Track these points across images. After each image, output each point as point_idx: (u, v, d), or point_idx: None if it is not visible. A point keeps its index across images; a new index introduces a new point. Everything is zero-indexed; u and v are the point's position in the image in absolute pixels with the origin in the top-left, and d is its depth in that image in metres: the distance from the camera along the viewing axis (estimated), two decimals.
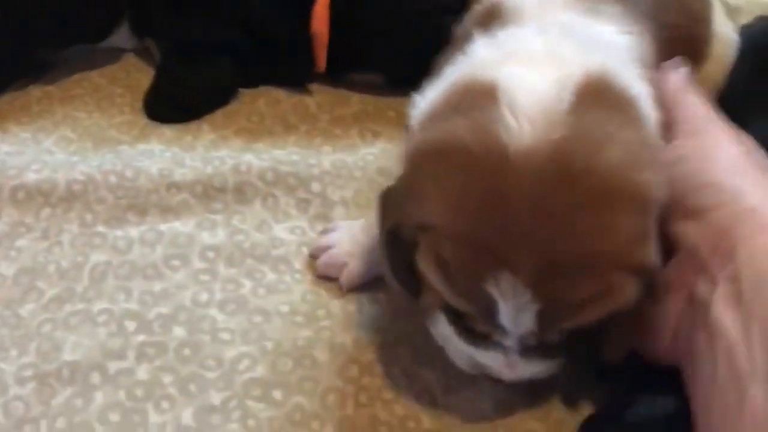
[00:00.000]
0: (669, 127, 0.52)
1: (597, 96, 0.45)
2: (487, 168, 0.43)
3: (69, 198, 0.73)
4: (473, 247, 0.43)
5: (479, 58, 0.50)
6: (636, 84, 0.49)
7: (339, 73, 0.86)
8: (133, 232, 0.72)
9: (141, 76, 0.88)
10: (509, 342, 0.47)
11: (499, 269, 0.42)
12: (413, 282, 0.51)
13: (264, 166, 0.76)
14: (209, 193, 0.75)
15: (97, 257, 0.70)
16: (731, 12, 1.00)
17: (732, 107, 0.75)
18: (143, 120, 0.83)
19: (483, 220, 0.43)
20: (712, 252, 0.45)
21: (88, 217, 0.73)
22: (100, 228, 0.72)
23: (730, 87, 0.76)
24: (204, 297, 0.67)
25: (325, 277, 0.68)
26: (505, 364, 0.49)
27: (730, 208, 0.45)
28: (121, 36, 0.88)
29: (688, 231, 0.47)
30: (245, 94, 0.86)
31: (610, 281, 0.43)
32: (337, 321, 0.66)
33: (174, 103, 0.83)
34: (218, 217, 0.73)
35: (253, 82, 0.86)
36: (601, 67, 0.47)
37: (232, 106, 0.85)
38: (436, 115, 0.49)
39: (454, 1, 0.72)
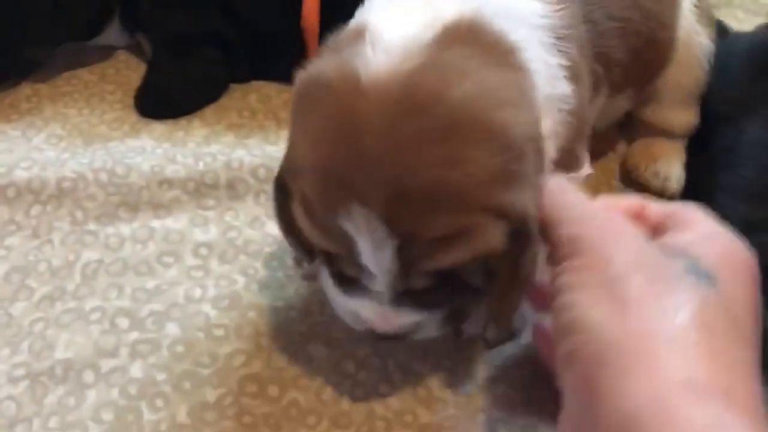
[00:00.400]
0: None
1: (464, 37, 0.44)
2: (342, 100, 0.42)
3: (59, 195, 0.73)
4: (328, 181, 0.43)
5: (368, 7, 0.51)
6: (521, 37, 0.48)
7: None
8: (125, 229, 0.71)
9: (131, 72, 0.87)
10: (378, 287, 0.47)
11: (350, 201, 0.42)
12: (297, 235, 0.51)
13: (256, 163, 0.76)
14: (201, 190, 0.74)
15: (89, 255, 0.69)
16: (721, 5, 1.01)
17: (729, 108, 0.75)
18: (134, 116, 0.82)
19: (336, 153, 0.42)
20: (584, 409, 0.37)
21: (79, 214, 0.72)
22: (91, 225, 0.71)
23: (729, 89, 0.76)
24: (197, 293, 0.67)
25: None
26: (376, 312, 0.49)
27: (591, 347, 0.37)
28: (112, 33, 0.87)
29: (565, 378, 0.39)
30: (236, 90, 0.86)
31: (469, 221, 0.42)
32: (332, 316, 0.65)
33: (165, 99, 0.83)
34: (210, 214, 0.73)
35: (244, 77, 0.85)
36: (476, 13, 0.46)
37: (224, 102, 0.84)
38: (319, 58, 0.48)
39: None
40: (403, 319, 0.49)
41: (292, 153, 0.49)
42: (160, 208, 0.73)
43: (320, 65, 0.46)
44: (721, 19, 0.99)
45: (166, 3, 0.82)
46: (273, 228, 0.72)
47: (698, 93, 0.76)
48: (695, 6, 0.73)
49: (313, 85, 0.45)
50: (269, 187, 0.74)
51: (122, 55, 0.89)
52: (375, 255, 0.44)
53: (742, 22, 0.98)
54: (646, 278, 0.37)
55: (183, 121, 0.82)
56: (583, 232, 0.41)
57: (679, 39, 0.71)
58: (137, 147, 0.78)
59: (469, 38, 0.45)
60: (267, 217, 0.73)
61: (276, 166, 0.74)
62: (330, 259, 0.49)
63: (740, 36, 0.85)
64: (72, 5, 0.81)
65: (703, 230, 0.42)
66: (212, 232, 0.71)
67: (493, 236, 0.43)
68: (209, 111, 0.83)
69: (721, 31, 0.84)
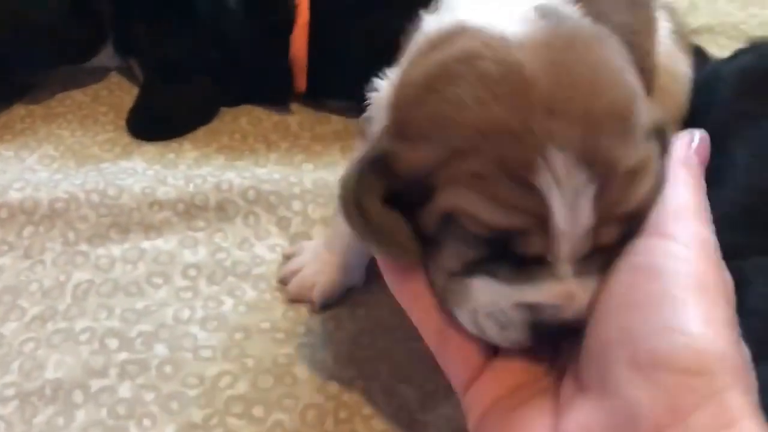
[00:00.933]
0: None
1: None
2: (500, 59, 0.41)
3: (52, 216, 0.74)
4: (512, 141, 0.40)
5: (438, 18, 0.50)
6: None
7: (318, 98, 0.88)
8: (116, 250, 0.73)
9: (124, 94, 0.89)
10: (564, 255, 0.41)
11: (546, 148, 0.39)
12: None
13: (245, 185, 0.78)
14: (191, 211, 0.76)
15: (80, 275, 0.71)
16: (703, 31, 1.03)
17: (715, 130, 0.77)
18: (126, 138, 0.84)
19: (515, 109, 0.40)
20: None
21: (71, 235, 0.73)
22: (83, 246, 0.73)
23: (715, 112, 0.78)
24: (185, 314, 0.68)
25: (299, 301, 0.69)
26: (561, 292, 0.42)
27: (704, 381, 0.34)
28: (106, 55, 0.89)
29: (632, 385, 0.35)
30: (227, 113, 0.87)
31: (644, 146, 0.42)
32: (317, 338, 0.67)
33: (157, 121, 0.85)
34: (200, 235, 0.74)
35: (234, 102, 0.87)
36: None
37: (215, 124, 0.86)
38: (418, 60, 0.46)
39: None
40: (588, 292, 0.42)
41: (433, 143, 0.42)
42: (150, 229, 0.74)
43: (443, 53, 0.44)
44: (703, 45, 1.02)
45: (158, 31, 0.84)
46: (261, 249, 0.74)
47: (680, 119, 0.78)
48: (674, 33, 0.74)
49: (448, 64, 0.42)
50: (258, 209, 0.77)
51: (115, 77, 0.91)
52: (572, 209, 0.40)
53: (723, 48, 0.99)
54: None
55: (174, 143, 0.83)
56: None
57: (659, 66, 0.73)
58: (129, 168, 0.79)
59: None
60: (256, 239, 0.74)
61: (265, 188, 0.78)
62: (502, 245, 0.42)
63: (726, 61, 0.87)
64: (67, 30, 0.83)
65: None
66: (201, 254, 0.73)
67: (656, 162, 0.43)
68: (200, 133, 0.85)
69: (700, 57, 0.87)
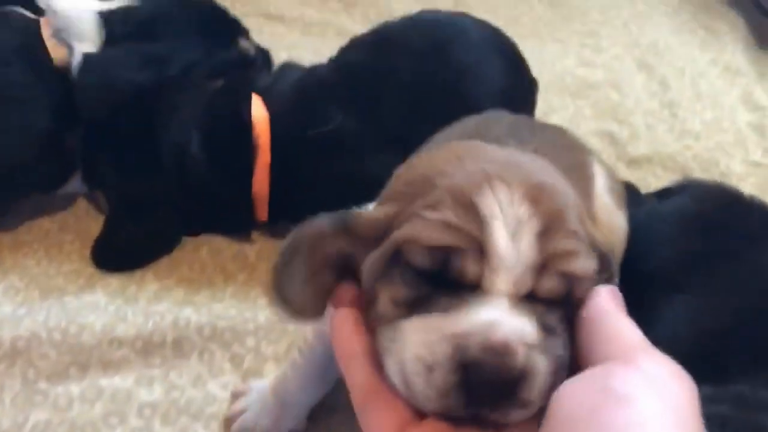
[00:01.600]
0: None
1: None
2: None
3: (12, 355, 0.77)
4: (466, 174, 0.43)
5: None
6: None
7: (280, 222, 0.92)
8: (75, 388, 0.76)
9: (91, 221, 0.93)
10: (499, 285, 0.40)
11: (495, 180, 0.42)
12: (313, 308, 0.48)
13: (202, 321, 0.81)
14: (148, 348, 0.79)
15: (38, 415, 0.74)
16: (642, 162, 1.10)
17: (666, 274, 0.81)
18: (90, 268, 0.88)
19: (473, 165, 0.44)
20: None
21: (31, 373, 0.76)
22: (42, 385, 0.76)
23: (663, 255, 0.82)
24: None
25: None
26: (490, 322, 0.39)
27: None
28: (74, 182, 0.93)
29: None
30: (189, 243, 0.91)
31: (584, 242, 0.43)
32: None
33: (120, 254, 0.88)
34: (156, 372, 0.78)
35: (196, 231, 0.92)
36: None
37: (176, 254, 0.90)
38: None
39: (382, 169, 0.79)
40: (524, 339, 0.39)
41: (400, 197, 0.46)
42: (109, 366, 0.78)
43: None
44: (642, 175, 1.08)
45: (123, 168, 0.89)
46: (214, 387, 0.77)
47: (616, 270, 0.83)
48: (609, 188, 0.80)
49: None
50: (213, 346, 0.80)
51: (83, 203, 0.95)
52: (513, 236, 0.40)
53: (660, 178, 1.07)
54: None
55: (137, 275, 0.87)
56: None
57: (597, 219, 0.77)
58: (91, 303, 0.83)
59: None
60: (209, 376, 0.78)
61: (221, 324, 0.81)
62: (439, 269, 0.42)
63: (661, 200, 0.93)
64: (38, 165, 0.87)
65: None
66: (156, 392, 0.76)
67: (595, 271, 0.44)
68: (162, 263, 0.89)
69: (632, 192, 0.93)
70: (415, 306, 0.42)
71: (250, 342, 0.81)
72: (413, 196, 0.44)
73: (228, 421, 0.74)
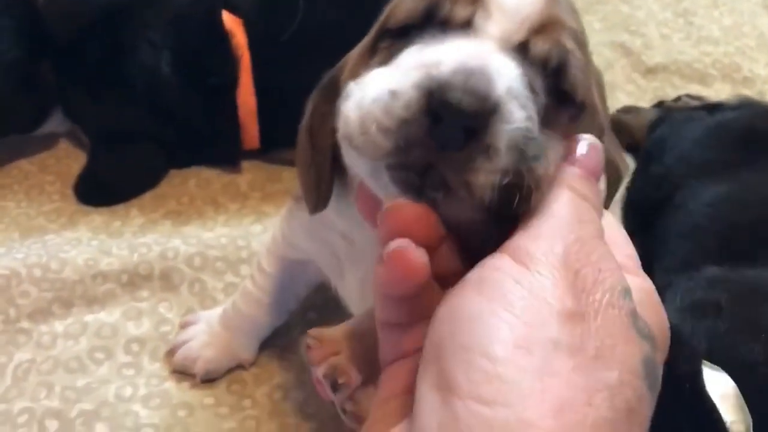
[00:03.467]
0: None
1: None
2: None
3: None
4: None
5: None
6: None
7: (273, 151, 0.87)
8: (58, 325, 0.71)
9: (72, 162, 0.88)
10: (490, 22, 0.35)
11: None
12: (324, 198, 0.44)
13: (191, 252, 0.76)
14: (135, 281, 0.74)
15: (21, 355, 0.69)
16: (658, 71, 1.03)
17: (697, 170, 0.76)
18: (72, 207, 0.83)
19: None
20: None
21: (12, 312, 0.72)
22: (25, 323, 0.71)
23: (698, 153, 0.77)
24: (128, 392, 0.66)
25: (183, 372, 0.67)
26: (476, 49, 0.34)
27: (502, 413, 0.28)
28: (55, 120, 0.88)
29: (428, 408, 0.30)
30: (175, 175, 0.86)
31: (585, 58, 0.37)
32: (263, 409, 0.65)
33: (103, 187, 0.83)
34: (144, 306, 0.73)
35: (183, 163, 0.86)
36: None
37: (162, 188, 0.85)
38: None
39: None
40: (515, 70, 0.33)
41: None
42: (93, 302, 0.73)
43: None
44: (658, 84, 1.01)
45: (97, 98, 0.83)
46: None
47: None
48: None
49: None
50: (205, 276, 0.75)
51: (63, 144, 0.90)
52: None
53: (678, 87, 1.00)
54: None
55: (121, 209, 0.82)
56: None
57: None
58: (73, 239, 0.78)
59: None
60: (201, 308, 0.73)
61: (212, 254, 0.76)
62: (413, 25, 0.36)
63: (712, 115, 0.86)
64: (15, 103, 0.82)
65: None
66: (145, 326, 0.71)
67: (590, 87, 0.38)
68: (148, 198, 0.84)
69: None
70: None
71: (244, 270, 0.75)
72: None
73: (171, 351, 0.68)
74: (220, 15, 0.82)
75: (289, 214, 0.60)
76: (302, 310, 0.71)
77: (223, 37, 0.80)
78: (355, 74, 0.37)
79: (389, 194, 0.32)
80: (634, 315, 0.30)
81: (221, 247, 0.77)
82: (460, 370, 0.29)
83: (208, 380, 0.67)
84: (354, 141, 0.32)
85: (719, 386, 0.45)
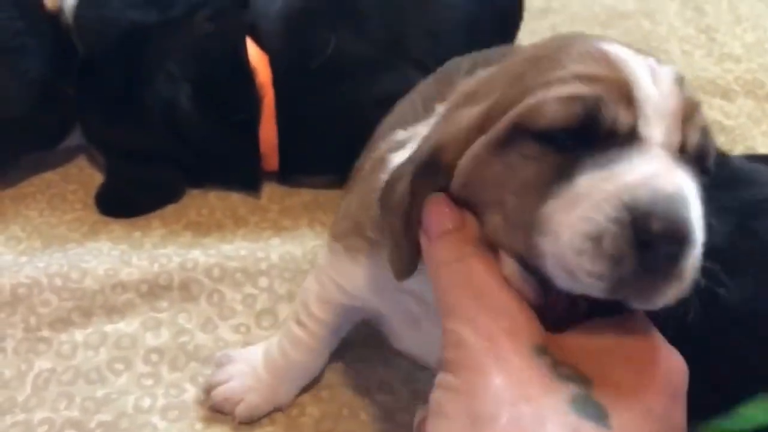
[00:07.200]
0: None
1: None
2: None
3: (13, 302, 0.73)
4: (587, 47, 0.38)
5: None
6: None
7: (291, 176, 0.87)
8: (78, 335, 0.71)
9: (94, 171, 0.88)
10: (653, 129, 0.35)
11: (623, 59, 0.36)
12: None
13: (210, 263, 0.76)
14: (155, 292, 0.75)
15: (41, 364, 0.69)
16: None
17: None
18: (94, 216, 0.83)
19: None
20: None
21: (33, 320, 0.72)
22: (45, 332, 0.72)
23: None
24: (146, 403, 0.67)
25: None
26: (660, 169, 0.34)
27: None
28: (76, 135, 0.88)
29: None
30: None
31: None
32: (279, 425, 0.65)
33: (124, 199, 0.84)
34: (163, 316, 0.73)
35: (200, 185, 0.86)
36: None
37: (183, 200, 0.85)
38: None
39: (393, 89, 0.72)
40: (693, 183, 0.34)
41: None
42: (113, 311, 0.73)
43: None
44: None
45: (114, 123, 0.83)
46: (225, 330, 0.72)
47: None
48: None
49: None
50: (223, 287, 0.75)
51: (86, 154, 0.90)
52: (653, 78, 0.36)
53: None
54: (515, 421, 0.33)
55: (142, 221, 0.83)
56: (469, 338, 0.36)
57: None
58: (94, 249, 0.79)
59: None
60: (220, 319, 0.73)
61: (231, 265, 0.76)
62: (567, 132, 0.36)
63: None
64: (37, 120, 0.83)
65: (622, 339, 0.37)
66: (164, 336, 0.72)
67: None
68: (169, 209, 0.84)
69: None
70: (551, 185, 0.35)
71: (263, 282, 0.76)
72: (519, 81, 0.37)
73: (208, 389, 0.66)
74: (244, 49, 0.81)
75: (337, 262, 0.57)
76: None
77: (247, 73, 0.80)
78: (485, 166, 0.37)
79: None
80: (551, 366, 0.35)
81: (241, 259, 0.77)
82: None
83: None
84: (566, 284, 0.35)
85: None
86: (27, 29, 0.83)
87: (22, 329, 0.72)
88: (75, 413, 0.66)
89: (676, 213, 0.32)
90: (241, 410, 0.64)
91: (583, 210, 0.33)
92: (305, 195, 0.86)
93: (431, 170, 0.40)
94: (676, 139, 0.35)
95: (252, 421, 0.65)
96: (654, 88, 0.35)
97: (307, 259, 0.78)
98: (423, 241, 0.40)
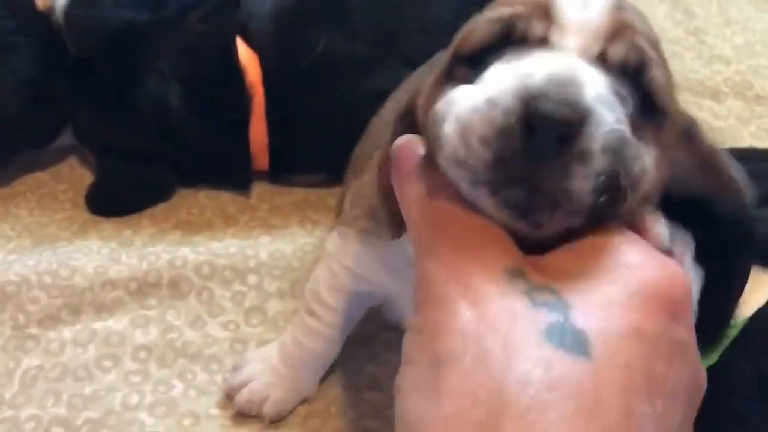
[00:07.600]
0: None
1: None
2: None
3: (2, 300, 0.73)
4: None
5: None
6: None
7: (282, 175, 0.87)
8: (67, 332, 0.71)
9: (85, 171, 0.88)
10: (568, 37, 0.35)
11: None
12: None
13: (200, 260, 0.77)
14: (144, 289, 0.75)
15: (29, 361, 0.69)
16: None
17: None
18: (84, 215, 0.83)
19: None
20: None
21: (21, 318, 0.72)
22: (33, 329, 0.72)
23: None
24: (134, 400, 0.67)
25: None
26: (563, 60, 0.34)
27: None
28: (68, 135, 0.88)
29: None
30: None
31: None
32: (268, 424, 0.65)
33: (114, 198, 0.84)
34: (152, 313, 0.73)
35: (191, 184, 0.86)
36: None
37: (173, 199, 0.85)
38: None
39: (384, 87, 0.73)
40: (601, 77, 0.34)
41: None
42: (102, 309, 0.73)
43: None
44: None
45: (105, 122, 0.83)
46: (213, 327, 0.72)
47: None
48: None
49: None
50: (212, 285, 0.75)
51: (77, 153, 0.90)
52: (583, 6, 0.36)
53: (688, 104, 0.99)
54: (479, 361, 0.29)
55: (132, 219, 0.83)
56: (434, 270, 0.33)
57: None
58: (84, 247, 0.79)
59: None
60: (208, 316, 0.73)
61: (220, 263, 0.76)
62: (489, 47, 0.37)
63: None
64: (29, 119, 0.83)
65: (612, 257, 0.32)
66: (152, 333, 0.72)
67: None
68: (158, 208, 0.84)
69: None
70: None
71: (252, 279, 0.76)
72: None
73: (229, 394, 0.66)
74: (234, 49, 0.81)
75: (345, 246, 0.58)
76: None
77: (236, 73, 0.80)
78: (432, 101, 0.37)
79: (494, 215, 0.33)
80: (525, 292, 0.31)
81: (230, 256, 0.77)
82: None
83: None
84: (458, 156, 0.33)
85: None
86: (18, 28, 0.83)
87: (10, 327, 0.72)
88: (62, 410, 0.66)
89: (565, 96, 0.31)
90: (268, 408, 0.64)
91: (481, 86, 0.34)
92: (296, 194, 0.86)
93: (409, 121, 0.41)
94: (594, 49, 0.35)
95: (281, 418, 0.65)
96: (578, 9, 0.36)
97: (297, 257, 0.78)
98: (394, 183, 0.38)
